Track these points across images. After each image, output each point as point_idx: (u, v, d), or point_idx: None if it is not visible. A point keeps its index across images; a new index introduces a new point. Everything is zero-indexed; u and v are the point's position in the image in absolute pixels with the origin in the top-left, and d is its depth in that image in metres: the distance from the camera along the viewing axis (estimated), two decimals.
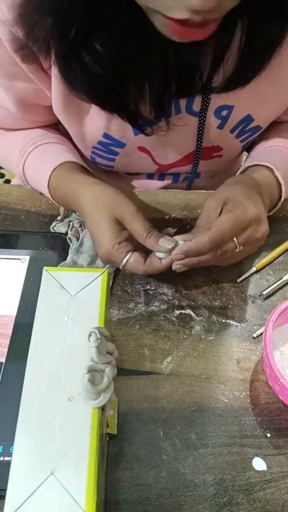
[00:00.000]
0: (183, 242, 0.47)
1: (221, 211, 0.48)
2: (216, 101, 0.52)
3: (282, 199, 0.55)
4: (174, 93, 0.49)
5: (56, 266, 0.52)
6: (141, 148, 0.58)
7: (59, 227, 0.57)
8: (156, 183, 0.68)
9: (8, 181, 1.54)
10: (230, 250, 0.46)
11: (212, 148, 0.59)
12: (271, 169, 0.53)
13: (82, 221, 0.57)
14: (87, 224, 0.51)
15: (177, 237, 0.48)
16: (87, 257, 0.53)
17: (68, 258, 0.53)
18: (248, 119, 0.55)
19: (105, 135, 0.55)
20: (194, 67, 0.46)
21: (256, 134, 0.59)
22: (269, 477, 0.40)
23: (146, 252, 0.49)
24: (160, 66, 0.45)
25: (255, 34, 0.43)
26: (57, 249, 0.55)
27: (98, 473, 0.28)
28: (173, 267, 0.47)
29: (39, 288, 0.37)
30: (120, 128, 0.54)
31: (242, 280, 0.54)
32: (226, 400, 0.45)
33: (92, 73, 0.43)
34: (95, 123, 0.54)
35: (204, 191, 0.65)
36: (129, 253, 0.47)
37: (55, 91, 0.50)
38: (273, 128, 0.61)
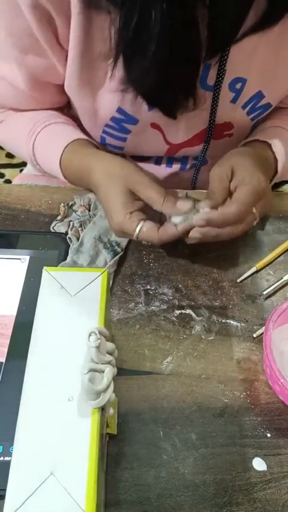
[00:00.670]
0: (203, 210, 0.47)
1: (230, 181, 0.48)
2: (231, 73, 0.52)
3: (277, 175, 0.56)
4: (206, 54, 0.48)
5: (56, 266, 0.52)
6: (154, 125, 0.58)
7: (59, 227, 0.57)
8: (163, 170, 0.68)
9: (8, 181, 1.54)
10: (250, 222, 0.47)
11: (224, 126, 0.60)
12: (269, 145, 0.55)
13: (82, 221, 0.57)
14: (99, 197, 0.51)
15: (196, 205, 0.48)
16: (87, 257, 0.53)
17: (68, 258, 0.53)
18: (259, 95, 0.56)
19: (119, 110, 0.55)
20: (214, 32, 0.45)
21: (266, 112, 0.59)
22: (269, 477, 0.40)
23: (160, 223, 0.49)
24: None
25: None
26: (57, 249, 0.55)
27: (98, 474, 0.28)
28: (190, 235, 0.47)
29: (39, 288, 0.37)
30: (134, 102, 0.54)
31: (242, 280, 0.54)
32: (226, 400, 0.45)
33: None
34: (110, 97, 0.54)
35: (205, 191, 0.65)
36: (142, 222, 0.47)
37: (70, 65, 0.50)
38: (275, 112, 0.63)
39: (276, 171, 0.56)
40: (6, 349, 0.46)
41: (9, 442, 0.40)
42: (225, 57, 0.49)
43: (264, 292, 0.53)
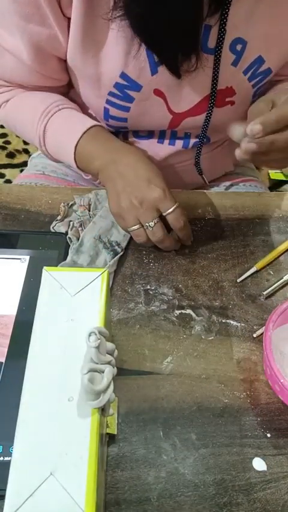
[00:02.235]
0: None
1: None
2: (232, 33, 0.53)
3: None
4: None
5: (56, 266, 0.52)
6: (157, 92, 0.58)
7: (59, 227, 0.57)
8: (166, 149, 0.68)
9: (8, 182, 1.54)
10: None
11: (226, 91, 0.60)
12: None
13: (82, 221, 0.57)
14: (128, 174, 0.53)
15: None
16: (87, 257, 0.53)
17: (68, 258, 0.53)
18: (260, 60, 0.56)
19: (123, 75, 0.55)
20: None
21: (266, 79, 0.60)
22: (269, 477, 0.40)
23: None
24: None
25: None
26: (57, 249, 0.55)
27: (97, 474, 0.28)
28: (244, 147, 0.45)
29: (39, 288, 0.37)
30: (137, 66, 0.54)
31: (242, 280, 0.54)
32: (226, 400, 0.45)
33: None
34: (113, 61, 0.54)
35: (205, 191, 0.65)
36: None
37: (73, 30, 0.51)
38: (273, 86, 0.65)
39: None
40: (6, 349, 0.46)
41: (9, 442, 0.40)
42: (225, 17, 0.50)
43: (264, 292, 0.53)
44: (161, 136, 0.67)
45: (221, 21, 0.51)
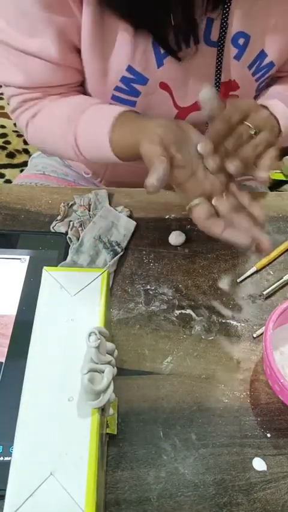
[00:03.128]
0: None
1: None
2: (234, 26, 0.53)
3: (282, 134, 0.55)
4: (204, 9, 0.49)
5: (56, 266, 0.52)
6: (163, 85, 0.58)
7: (59, 227, 0.57)
8: None
9: (8, 182, 1.54)
10: (245, 131, 0.46)
11: (230, 84, 0.60)
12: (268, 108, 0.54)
13: (82, 221, 0.57)
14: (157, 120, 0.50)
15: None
16: (87, 257, 0.53)
17: (68, 258, 0.53)
18: (263, 55, 0.57)
19: (129, 69, 0.55)
20: None
21: (270, 72, 0.60)
22: (269, 477, 0.40)
23: None
24: None
25: None
26: (57, 249, 0.55)
27: (97, 474, 0.28)
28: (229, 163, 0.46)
29: (39, 288, 0.37)
30: (143, 59, 0.54)
31: (242, 280, 0.54)
32: (226, 400, 0.45)
33: None
34: (119, 56, 0.54)
35: None
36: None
37: (84, 21, 0.51)
38: (276, 81, 0.64)
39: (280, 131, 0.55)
40: (6, 349, 0.46)
41: (9, 442, 0.40)
42: (227, 11, 0.51)
43: (264, 292, 0.53)
44: None
45: (223, 14, 0.51)
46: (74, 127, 0.56)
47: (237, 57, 0.56)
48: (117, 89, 0.58)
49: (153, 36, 0.52)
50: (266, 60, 0.58)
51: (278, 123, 0.53)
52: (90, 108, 0.56)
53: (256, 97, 0.65)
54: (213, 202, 0.45)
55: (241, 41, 0.55)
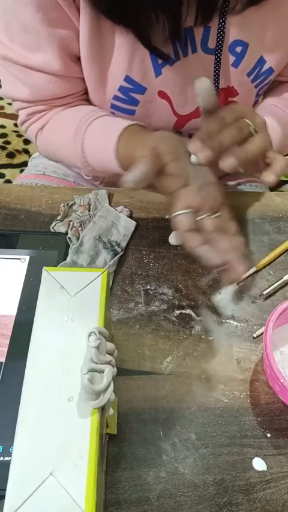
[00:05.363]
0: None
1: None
2: (231, 35, 0.53)
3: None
4: (193, 20, 0.50)
5: (56, 266, 0.52)
6: (162, 94, 0.58)
7: (59, 227, 0.57)
8: None
9: (8, 182, 1.54)
10: (244, 126, 0.45)
11: (228, 91, 0.60)
12: None
13: (82, 221, 0.57)
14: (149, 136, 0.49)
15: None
16: (87, 257, 0.53)
17: (68, 258, 0.53)
18: (262, 61, 0.57)
19: (127, 79, 0.55)
20: None
21: (269, 78, 0.60)
22: (269, 477, 0.40)
23: None
24: None
25: None
26: (57, 249, 0.55)
27: (97, 474, 0.28)
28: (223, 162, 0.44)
29: (39, 288, 0.37)
30: (141, 69, 0.54)
31: (242, 280, 0.54)
32: (226, 400, 0.45)
33: None
34: (117, 66, 0.54)
35: None
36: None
37: (82, 31, 0.51)
38: (273, 90, 0.64)
39: None
40: (6, 349, 0.46)
41: (9, 442, 0.40)
42: (223, 20, 0.51)
43: (264, 292, 0.53)
44: None
45: (219, 23, 0.51)
46: (81, 140, 0.56)
47: (235, 65, 0.56)
48: (115, 98, 0.58)
49: (146, 46, 0.52)
50: (265, 67, 0.58)
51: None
52: (96, 121, 0.56)
53: (255, 102, 0.65)
54: (199, 218, 0.45)
55: (238, 49, 0.55)
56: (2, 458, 0.39)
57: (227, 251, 0.43)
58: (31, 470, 0.28)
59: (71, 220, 0.58)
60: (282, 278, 0.54)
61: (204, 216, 0.44)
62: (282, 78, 0.64)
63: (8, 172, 1.59)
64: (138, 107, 0.59)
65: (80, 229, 0.57)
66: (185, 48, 0.53)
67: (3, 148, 1.67)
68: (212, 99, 0.45)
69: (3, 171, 1.60)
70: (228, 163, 0.44)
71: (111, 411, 0.34)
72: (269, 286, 0.53)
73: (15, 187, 0.63)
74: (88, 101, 0.62)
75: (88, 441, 0.29)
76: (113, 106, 0.59)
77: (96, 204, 0.60)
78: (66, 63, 0.55)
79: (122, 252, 0.55)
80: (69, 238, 0.56)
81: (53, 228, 0.58)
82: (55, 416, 0.30)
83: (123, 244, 0.56)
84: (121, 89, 0.57)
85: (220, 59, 0.55)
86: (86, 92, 0.61)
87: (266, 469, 0.41)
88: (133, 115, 0.60)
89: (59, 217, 0.58)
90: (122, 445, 0.41)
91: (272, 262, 0.56)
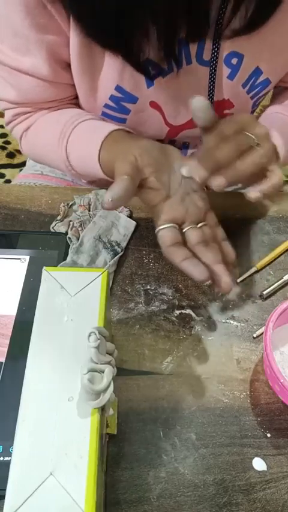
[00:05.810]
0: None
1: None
2: (226, 47, 0.52)
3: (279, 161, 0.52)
4: (184, 36, 0.49)
5: (56, 266, 0.52)
6: (153, 104, 0.57)
7: (59, 227, 0.57)
8: None
9: (8, 182, 1.54)
10: (245, 139, 0.44)
11: (223, 103, 0.59)
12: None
13: (82, 221, 0.57)
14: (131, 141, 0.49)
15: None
16: (87, 257, 0.53)
17: (68, 258, 0.53)
18: (258, 72, 0.55)
19: (118, 88, 0.54)
20: (204, 5, 0.46)
21: (265, 89, 0.59)
22: (269, 477, 0.40)
23: None
24: (167, 2, 0.44)
25: None
26: (57, 249, 0.55)
27: (97, 474, 0.28)
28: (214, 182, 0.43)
29: (39, 288, 0.37)
30: (132, 79, 0.53)
31: (242, 280, 0.54)
32: (226, 400, 0.45)
33: (96, 8, 0.43)
34: (108, 75, 0.53)
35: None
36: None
37: (73, 41, 0.50)
38: (278, 96, 0.63)
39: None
40: (6, 349, 0.46)
41: (9, 442, 0.40)
42: (219, 32, 0.50)
43: (264, 292, 0.53)
44: None
45: (214, 36, 0.50)
46: (66, 143, 0.55)
47: (231, 77, 0.55)
48: (106, 106, 0.57)
49: (135, 68, 0.51)
50: (261, 78, 0.56)
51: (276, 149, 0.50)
52: (80, 125, 0.55)
53: (252, 113, 0.64)
54: (184, 230, 0.44)
55: (234, 60, 0.54)
56: (2, 458, 0.39)
57: (213, 263, 0.43)
58: (31, 470, 0.28)
59: (71, 220, 0.58)
60: (282, 278, 0.54)
61: (188, 227, 0.44)
62: (285, 84, 0.62)
63: (8, 172, 1.59)
64: (130, 115, 0.58)
65: (80, 229, 0.57)
66: (179, 59, 0.52)
67: (3, 148, 1.67)
68: (208, 116, 0.44)
69: (3, 171, 1.60)
70: (217, 183, 0.42)
71: (111, 411, 0.34)
72: (269, 286, 0.53)
73: (15, 187, 0.63)
74: (78, 105, 0.61)
75: (88, 441, 0.29)
76: (103, 114, 0.59)
77: (96, 204, 0.60)
78: (54, 69, 0.54)
79: (122, 252, 0.55)
80: (69, 238, 0.56)
81: (53, 228, 0.58)
82: (55, 416, 0.30)
83: (123, 244, 0.56)
84: (112, 97, 0.56)
85: (215, 71, 0.54)
86: (76, 97, 0.60)
87: (266, 469, 0.41)
88: (124, 123, 0.59)
89: (59, 217, 0.58)
90: (122, 445, 0.41)
91: (272, 262, 0.56)
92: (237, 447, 0.42)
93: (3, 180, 1.57)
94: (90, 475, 0.28)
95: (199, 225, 0.45)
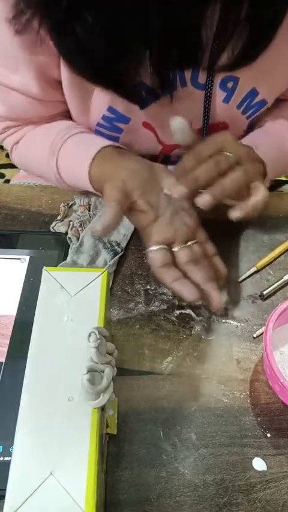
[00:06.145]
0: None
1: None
2: (222, 72, 0.51)
3: (267, 176, 0.53)
4: (177, 64, 0.49)
5: (56, 266, 0.52)
6: (146, 125, 0.57)
7: (59, 227, 0.57)
8: None
9: (8, 182, 1.54)
10: (224, 159, 0.44)
11: (218, 125, 0.59)
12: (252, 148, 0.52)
13: (82, 221, 0.57)
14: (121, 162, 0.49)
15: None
16: (87, 257, 0.53)
17: (68, 258, 0.53)
18: (254, 93, 0.55)
19: (110, 109, 0.54)
20: (196, 38, 0.46)
21: (261, 110, 0.58)
22: (269, 477, 0.40)
23: None
24: (160, 33, 0.44)
25: (259, 8, 0.43)
26: (57, 249, 0.55)
27: (97, 474, 0.28)
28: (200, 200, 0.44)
29: (39, 288, 0.37)
30: (125, 101, 0.53)
31: (242, 280, 0.54)
32: (226, 400, 0.45)
33: (87, 48, 0.43)
34: (100, 98, 0.53)
35: None
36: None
37: (62, 65, 0.50)
38: (275, 109, 0.62)
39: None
40: (6, 349, 0.46)
41: (9, 442, 0.40)
42: (213, 58, 0.49)
43: (264, 292, 0.53)
44: (153, 160, 0.67)
45: (210, 61, 0.49)
46: (56, 158, 0.55)
47: (226, 101, 0.55)
48: (99, 124, 0.57)
49: (125, 97, 0.51)
50: (257, 98, 0.56)
51: (264, 167, 0.51)
52: (71, 139, 0.55)
53: (247, 132, 0.62)
54: (173, 249, 0.45)
55: (230, 84, 0.53)
56: (2, 458, 0.39)
57: (203, 282, 0.44)
58: (31, 470, 0.28)
59: (71, 220, 0.58)
60: (282, 278, 0.54)
61: (178, 247, 0.45)
62: (284, 96, 0.60)
63: (8, 172, 1.59)
64: (122, 134, 0.58)
65: (80, 229, 0.57)
66: (173, 82, 0.51)
67: (3, 148, 1.67)
68: (188, 136, 0.45)
69: (3, 171, 1.60)
70: (203, 201, 0.43)
71: (111, 411, 0.34)
72: (269, 286, 0.53)
73: (15, 187, 0.63)
74: (69, 118, 0.60)
75: (88, 441, 0.29)
76: (96, 131, 0.58)
77: (96, 204, 0.60)
78: (44, 88, 0.53)
79: (122, 252, 0.55)
80: (69, 238, 0.56)
81: (53, 228, 0.58)
82: (55, 416, 0.30)
83: (123, 244, 0.56)
84: (104, 117, 0.56)
85: (210, 94, 0.53)
86: (68, 111, 0.59)
87: (266, 469, 0.41)
88: (117, 141, 0.58)
89: (59, 217, 0.58)
90: (122, 445, 0.41)
91: (272, 262, 0.56)
92: (237, 447, 0.42)
93: (3, 180, 1.57)
94: (90, 475, 0.28)
95: (188, 243, 0.46)
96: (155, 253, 0.44)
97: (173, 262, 0.45)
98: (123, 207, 0.43)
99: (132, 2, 0.40)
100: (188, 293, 0.43)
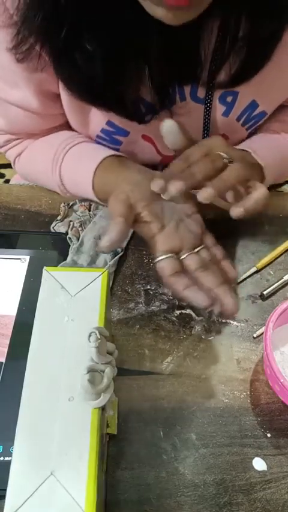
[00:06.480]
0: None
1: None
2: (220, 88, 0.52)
3: (265, 180, 0.52)
4: (176, 80, 0.49)
5: (56, 266, 0.52)
6: (145, 137, 0.57)
7: (59, 227, 0.57)
8: None
9: (8, 181, 1.54)
10: (219, 157, 0.44)
11: None
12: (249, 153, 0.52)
13: (82, 221, 0.57)
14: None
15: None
16: (87, 257, 0.53)
17: (68, 258, 0.53)
18: (254, 105, 0.55)
19: (109, 123, 0.55)
20: (195, 56, 0.46)
21: (261, 121, 0.58)
22: (269, 477, 0.40)
23: None
24: (160, 52, 0.44)
25: (256, 29, 0.43)
26: (57, 249, 0.55)
27: (98, 474, 0.28)
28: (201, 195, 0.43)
29: (39, 288, 0.37)
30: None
31: (242, 280, 0.54)
32: (226, 400, 0.45)
33: (86, 74, 0.44)
34: (98, 112, 0.53)
35: None
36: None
37: (60, 82, 0.50)
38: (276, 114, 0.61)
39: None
40: (6, 349, 0.46)
41: (9, 442, 0.40)
42: (212, 74, 0.49)
43: (264, 292, 0.53)
44: (153, 169, 0.66)
45: (209, 76, 0.49)
46: (59, 169, 0.55)
47: (226, 114, 0.55)
48: (98, 137, 0.57)
49: (124, 117, 0.51)
50: (257, 110, 0.55)
51: (262, 170, 0.51)
52: (73, 149, 0.55)
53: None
54: (181, 257, 0.45)
55: (229, 98, 0.53)
56: (2, 458, 0.39)
57: (214, 286, 0.44)
58: (31, 470, 0.28)
59: (71, 220, 0.58)
60: (282, 278, 0.54)
61: (186, 255, 0.45)
62: (284, 103, 0.60)
63: (8, 172, 1.59)
64: (122, 146, 0.58)
65: (80, 229, 0.57)
66: (172, 96, 0.51)
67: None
68: (178, 139, 0.45)
69: (3, 171, 1.59)
70: (204, 194, 0.42)
71: (111, 411, 0.34)
72: (269, 286, 0.53)
73: (15, 187, 0.63)
74: (70, 128, 0.60)
75: (88, 441, 0.29)
76: (96, 142, 0.59)
77: (96, 204, 0.60)
78: (44, 103, 0.53)
79: (122, 252, 0.55)
80: (69, 238, 0.56)
81: (53, 228, 0.58)
82: (55, 416, 0.30)
83: (124, 244, 0.56)
84: (103, 130, 0.56)
85: (210, 108, 0.53)
86: (68, 123, 0.59)
87: (266, 469, 0.41)
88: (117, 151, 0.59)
89: (59, 217, 0.58)
90: (122, 445, 0.41)
91: (272, 262, 0.56)
92: (238, 447, 0.42)
93: (3, 180, 1.57)
94: (91, 475, 0.28)
95: (196, 249, 0.46)
96: (163, 262, 0.44)
97: (183, 270, 0.45)
98: (129, 221, 0.44)
99: (131, 30, 0.41)
100: (199, 300, 0.42)
